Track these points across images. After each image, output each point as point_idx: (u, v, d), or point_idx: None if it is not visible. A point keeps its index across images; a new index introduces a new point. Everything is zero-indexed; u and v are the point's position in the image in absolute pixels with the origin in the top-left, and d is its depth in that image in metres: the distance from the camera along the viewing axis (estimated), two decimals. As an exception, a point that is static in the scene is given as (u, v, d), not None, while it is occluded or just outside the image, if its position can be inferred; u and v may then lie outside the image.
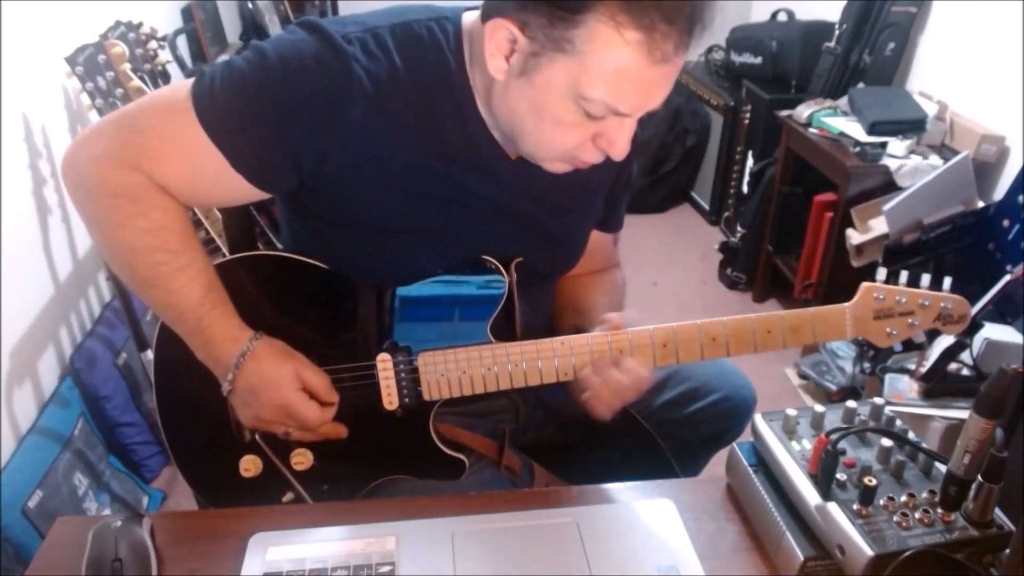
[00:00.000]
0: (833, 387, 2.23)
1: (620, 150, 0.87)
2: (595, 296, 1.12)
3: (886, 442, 0.84)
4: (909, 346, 1.94)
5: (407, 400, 0.97)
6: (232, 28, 3.43)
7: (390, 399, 0.97)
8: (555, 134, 0.86)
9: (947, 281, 0.97)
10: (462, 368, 0.95)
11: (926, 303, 0.96)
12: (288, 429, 0.95)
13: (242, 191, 0.91)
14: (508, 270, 0.97)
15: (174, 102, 0.88)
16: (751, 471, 0.89)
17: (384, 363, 0.96)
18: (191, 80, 0.89)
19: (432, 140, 0.92)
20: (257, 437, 0.98)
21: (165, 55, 1.87)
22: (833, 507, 0.77)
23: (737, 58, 3.15)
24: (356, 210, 0.95)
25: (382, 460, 1.00)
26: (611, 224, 1.16)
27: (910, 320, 0.97)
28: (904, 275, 0.97)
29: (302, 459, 0.98)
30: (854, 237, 2.25)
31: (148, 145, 0.88)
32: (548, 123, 0.85)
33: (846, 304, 0.97)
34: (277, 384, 0.90)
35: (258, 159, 0.89)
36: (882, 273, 0.98)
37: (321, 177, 0.92)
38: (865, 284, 0.97)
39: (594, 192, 1.09)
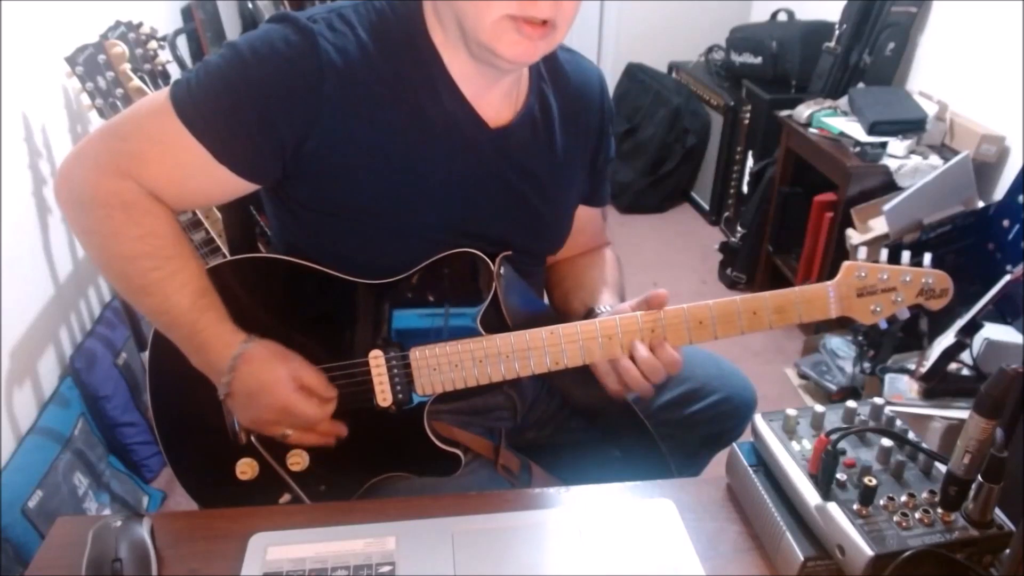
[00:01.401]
0: (833, 387, 2.23)
1: None
2: (595, 274, 1.14)
3: (886, 442, 0.84)
4: (909, 346, 1.95)
5: (400, 396, 0.97)
6: (232, 28, 3.42)
7: (384, 396, 0.97)
8: None
9: (927, 257, 0.97)
10: (454, 362, 0.96)
11: (908, 279, 0.96)
12: (286, 431, 0.95)
13: (230, 185, 0.92)
14: (495, 262, 0.97)
15: (155, 106, 0.90)
16: (751, 471, 0.88)
17: (376, 359, 0.96)
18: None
19: (408, 115, 0.93)
20: (253, 439, 0.99)
21: (165, 55, 1.86)
22: (833, 507, 0.77)
23: (737, 58, 3.15)
24: (339, 197, 0.95)
25: (378, 458, 1.00)
26: (597, 198, 1.17)
27: (893, 296, 0.97)
28: (884, 252, 0.97)
29: (298, 460, 0.98)
30: (854, 237, 2.25)
31: (135, 150, 0.89)
32: None
33: (829, 282, 0.97)
34: (273, 386, 0.91)
35: (241, 149, 0.90)
36: (863, 252, 0.98)
37: (302, 162, 0.92)
38: (847, 263, 0.97)
39: (574, 166, 1.09)
